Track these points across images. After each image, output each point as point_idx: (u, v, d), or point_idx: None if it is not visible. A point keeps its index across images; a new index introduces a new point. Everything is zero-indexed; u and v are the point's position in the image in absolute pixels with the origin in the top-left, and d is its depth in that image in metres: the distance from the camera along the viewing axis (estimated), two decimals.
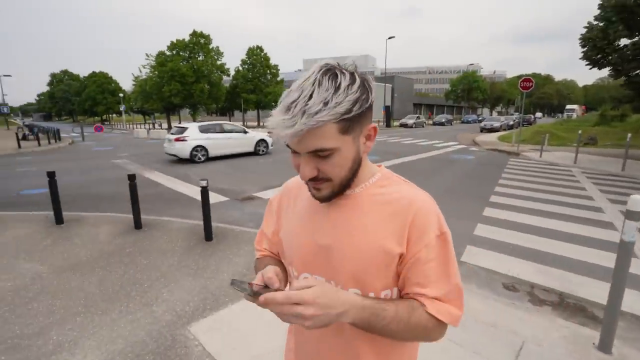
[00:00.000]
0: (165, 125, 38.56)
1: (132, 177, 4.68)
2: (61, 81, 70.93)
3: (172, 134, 11.65)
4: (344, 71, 0.63)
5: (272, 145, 13.89)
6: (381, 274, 0.70)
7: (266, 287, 0.65)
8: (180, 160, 11.42)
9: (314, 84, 0.60)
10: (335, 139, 0.63)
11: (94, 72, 57.14)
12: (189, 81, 31.86)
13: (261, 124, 40.91)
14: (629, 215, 2.10)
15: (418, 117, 35.49)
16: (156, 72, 32.50)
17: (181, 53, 32.88)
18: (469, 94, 62.36)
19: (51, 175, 4.78)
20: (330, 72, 0.62)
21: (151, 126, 38.31)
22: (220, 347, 2.27)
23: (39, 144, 17.40)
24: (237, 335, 2.40)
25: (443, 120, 40.27)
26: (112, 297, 2.93)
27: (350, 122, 0.63)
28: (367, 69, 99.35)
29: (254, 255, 0.97)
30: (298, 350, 0.87)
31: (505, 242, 4.28)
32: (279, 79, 39.44)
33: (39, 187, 7.43)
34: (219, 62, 34.78)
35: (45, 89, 77.27)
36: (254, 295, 0.62)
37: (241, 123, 42.31)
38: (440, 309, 0.69)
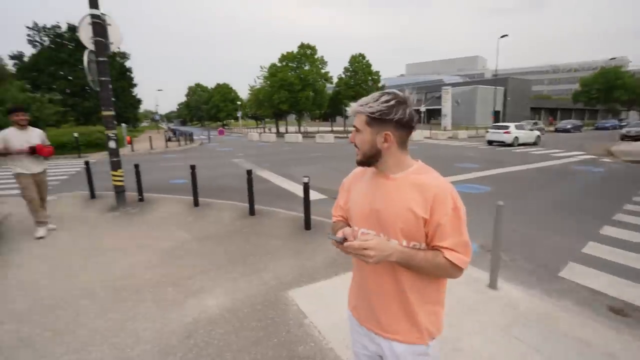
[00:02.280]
0: (273, 130, 42.62)
1: (249, 172, 5.69)
2: (195, 92, 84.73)
3: (498, 129, 20.04)
4: (389, 93, 1.06)
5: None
6: (412, 230, 1.06)
7: (345, 240, 1.06)
8: (288, 160, 12.75)
9: (373, 95, 1.08)
10: (362, 125, 1.09)
11: (218, 84, 66.75)
12: (295, 89, 34.60)
13: None
14: None
15: (535, 123, 31.49)
16: (268, 82, 36.26)
17: (290, 64, 35.93)
18: (607, 95, 51.85)
19: (193, 168, 6.15)
20: (385, 92, 1.07)
21: (262, 130, 42.80)
22: (311, 308, 2.81)
23: (179, 144, 21.45)
24: (324, 302, 2.91)
25: (568, 126, 34.78)
26: (234, 262, 3.78)
27: (372, 120, 1.06)
28: (476, 71, 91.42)
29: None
30: (359, 283, 1.26)
31: (625, 265, 3.84)
32: (380, 84, 39.74)
33: (181, 178, 9.41)
34: (323, 71, 36.88)
35: (184, 99, 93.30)
36: (341, 243, 1.05)
37: (342, 128, 44.00)
38: (453, 255, 1.04)
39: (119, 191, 6.00)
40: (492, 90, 40.43)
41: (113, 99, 5.72)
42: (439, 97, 45.30)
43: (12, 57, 36.80)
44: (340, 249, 1.06)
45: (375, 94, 1.06)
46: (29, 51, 36.37)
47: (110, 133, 5.61)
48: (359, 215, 1.17)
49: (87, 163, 7.06)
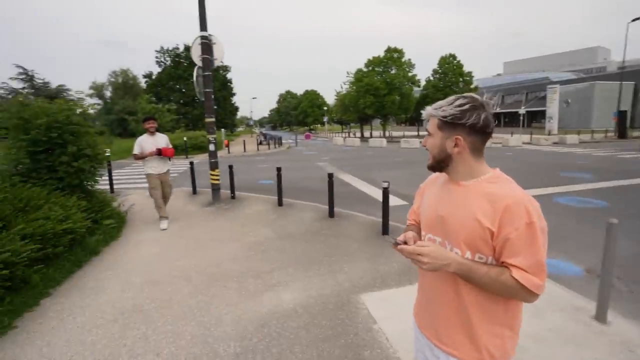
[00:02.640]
0: (358, 134, 42.87)
1: (330, 176, 5.85)
2: (285, 99, 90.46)
3: None
4: (466, 97, 1.01)
5: None
6: (477, 242, 0.98)
7: (405, 243, 1.06)
8: (371, 165, 12.74)
9: (449, 99, 1.05)
10: (434, 128, 1.07)
11: (306, 90, 70.04)
12: (381, 94, 34.29)
13: None
14: None
15: None
16: (354, 87, 36.67)
17: (376, 68, 35.78)
18: None
19: (278, 170, 6.59)
20: (461, 96, 1.03)
21: (346, 135, 43.46)
22: (381, 314, 2.77)
23: (269, 148, 23.14)
24: (395, 309, 2.83)
25: None
26: (311, 261, 3.92)
27: (444, 124, 1.03)
28: (594, 64, 77.65)
29: None
30: (422, 288, 1.23)
31: None
32: (472, 86, 36.90)
33: (269, 178, 10.14)
34: (410, 74, 35.83)
35: (274, 105, 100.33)
36: (396, 244, 1.05)
37: (427, 133, 41.89)
38: (523, 276, 0.92)
39: (215, 189, 6.76)
40: (616, 86, 33.74)
41: (215, 107, 6.49)
42: (543, 97, 39.91)
43: (145, 76, 44.54)
44: (397, 251, 1.04)
45: (451, 98, 1.04)
46: (155, 70, 43.65)
47: (211, 137, 6.39)
48: (426, 220, 1.16)
49: (191, 163, 8.13)
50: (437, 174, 1.20)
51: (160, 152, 5.21)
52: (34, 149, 4.48)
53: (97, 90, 51.00)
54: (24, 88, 38.88)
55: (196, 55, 6.05)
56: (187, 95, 40.90)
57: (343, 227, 5.18)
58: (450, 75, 36.52)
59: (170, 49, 43.00)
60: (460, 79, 36.53)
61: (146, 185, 5.47)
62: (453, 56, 36.71)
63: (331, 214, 5.75)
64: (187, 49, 41.27)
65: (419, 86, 37.75)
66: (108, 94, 52.78)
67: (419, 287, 1.27)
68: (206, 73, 6.05)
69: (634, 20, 25.90)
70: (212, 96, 6.27)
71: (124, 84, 52.64)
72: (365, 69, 36.33)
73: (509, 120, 50.10)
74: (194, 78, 6.15)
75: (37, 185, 4.27)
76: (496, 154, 17.41)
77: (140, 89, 47.91)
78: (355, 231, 4.98)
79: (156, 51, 43.05)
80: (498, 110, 52.14)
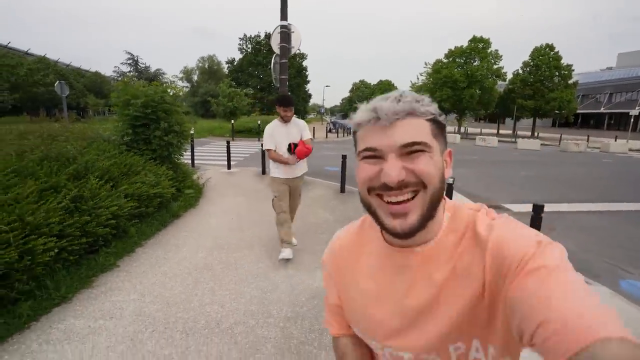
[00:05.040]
0: None
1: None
2: (358, 88, 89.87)
3: None
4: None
5: None
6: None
7: None
8: None
9: (398, 92, 0.58)
10: (428, 136, 0.56)
11: (380, 80, 68.72)
12: (460, 87, 32.23)
13: (536, 134, 35.50)
14: None
15: None
16: (431, 79, 34.98)
17: (457, 60, 33.59)
18: None
19: (344, 158, 6.76)
20: (409, 90, 0.59)
21: None
22: None
23: (337, 136, 23.46)
24: None
25: None
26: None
27: (438, 128, 0.58)
28: None
29: None
30: None
31: None
32: (570, 81, 32.62)
33: (335, 165, 10.40)
34: (495, 66, 32.97)
35: (347, 94, 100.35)
36: None
37: (510, 132, 38.38)
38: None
39: None
40: None
41: (289, 93, 6.84)
42: None
43: (227, 62, 47.86)
44: None
45: (394, 93, 0.58)
46: (237, 57, 46.69)
47: None
48: (378, 328, 0.66)
49: (262, 146, 8.71)
50: (342, 235, 0.77)
51: (293, 149, 3.50)
52: (134, 122, 5.26)
53: (187, 74, 56.36)
54: (130, 71, 44.67)
55: (275, 43, 6.42)
56: (264, 81, 43.12)
57: None
58: (544, 68, 32.72)
59: (252, 36, 45.47)
60: (557, 73, 32.52)
61: (221, 161, 5.94)
62: (550, 47, 32.74)
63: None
64: (268, 36, 43.26)
65: (504, 80, 34.57)
66: (195, 77, 58.10)
67: None
68: (283, 61, 6.40)
69: None
70: (287, 83, 6.61)
71: (209, 69, 57.44)
72: (445, 60, 34.37)
73: (615, 123, 43.26)
74: (272, 65, 6.55)
75: (136, 155, 5.04)
76: (588, 160, 15.34)
77: (223, 74, 51.87)
78: None
79: (239, 38, 45.88)
80: (603, 110, 45.17)
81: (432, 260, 0.59)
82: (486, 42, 32.79)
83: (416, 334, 0.60)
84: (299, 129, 3.57)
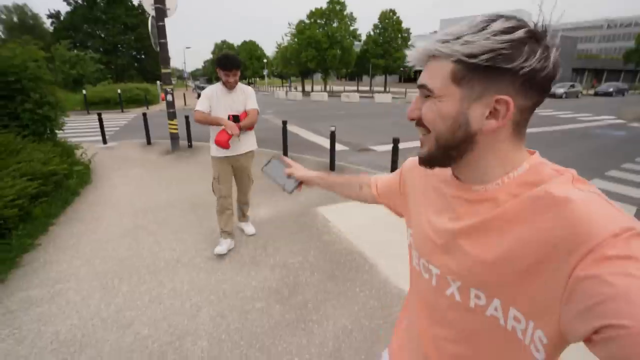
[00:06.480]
0: (299, 88, 42.84)
1: (284, 122, 6.65)
2: (221, 49, 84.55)
3: None
4: (510, 20, 0.50)
5: None
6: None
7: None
8: (315, 117, 13.61)
9: (470, 23, 0.51)
10: (440, 81, 0.53)
11: (244, 41, 66.32)
12: (323, 47, 34.32)
13: (388, 89, 41.19)
14: None
15: (572, 86, 30.04)
16: (296, 40, 36.03)
17: (318, 21, 35.34)
18: None
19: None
20: (498, 17, 0.51)
21: (288, 89, 43.17)
22: (333, 217, 3.88)
23: None
24: (342, 214, 3.94)
25: (610, 89, 32.91)
26: (274, 191, 4.84)
27: (468, 72, 0.51)
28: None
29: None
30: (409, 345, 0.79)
31: None
32: (409, 43, 38.51)
33: None
34: (351, 28, 36.09)
35: (210, 56, 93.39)
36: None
37: (368, 88, 43.48)
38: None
39: (174, 138, 7.16)
40: None
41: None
42: None
43: (50, 16, 38.01)
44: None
45: (478, 19, 0.51)
46: (64, 10, 37.50)
47: (168, 88, 6.66)
48: (421, 242, 0.71)
49: (144, 115, 8.23)
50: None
51: (237, 120, 3.01)
52: None
53: None
54: None
55: (148, 3, 6.11)
56: (108, 42, 36.58)
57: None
58: (390, 30, 37.55)
59: None
60: (399, 35, 37.81)
61: (90, 136, 5.55)
62: (393, 12, 37.53)
63: (285, 155, 6.63)
64: None
65: (359, 40, 38.30)
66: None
67: (404, 327, 0.85)
68: (160, 23, 6.18)
69: None
70: (167, 47, 6.45)
71: (19, 24, 44.79)
72: (307, 21, 35.66)
73: None
74: (149, 28, 6.24)
75: (2, 133, 4.44)
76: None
77: (46, 32, 41.34)
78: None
79: None
80: None
81: (484, 202, 0.57)
82: (342, 5, 35.31)
83: (449, 256, 0.61)
84: (244, 97, 3.06)
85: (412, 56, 0.58)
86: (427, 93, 0.55)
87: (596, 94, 33.49)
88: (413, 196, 0.77)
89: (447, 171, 0.66)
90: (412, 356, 0.77)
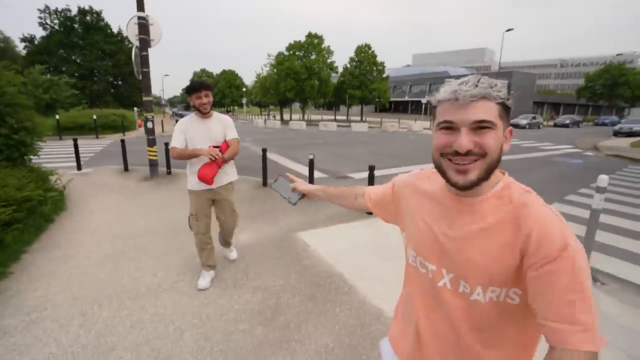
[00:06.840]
0: (278, 117, 43.55)
1: (264, 150, 6.82)
2: (200, 77, 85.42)
3: None
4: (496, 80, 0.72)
5: None
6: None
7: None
8: (293, 145, 13.88)
9: (476, 77, 0.72)
10: (494, 117, 0.70)
11: (224, 70, 67.43)
12: (301, 78, 35.45)
13: (364, 118, 42.62)
14: None
15: (534, 117, 32.29)
16: (275, 70, 37.08)
17: (297, 53, 36.69)
18: (611, 91, 52.21)
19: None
20: (485, 76, 0.73)
21: (267, 117, 43.79)
22: (313, 241, 4.00)
23: None
24: (322, 239, 4.07)
25: (567, 121, 35.56)
26: (255, 217, 4.94)
27: (504, 110, 0.72)
28: (483, 63, 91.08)
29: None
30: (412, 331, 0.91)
31: None
32: (384, 75, 40.46)
33: None
34: (329, 60, 37.63)
35: (188, 84, 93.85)
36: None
37: (345, 117, 44.81)
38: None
39: (153, 164, 7.15)
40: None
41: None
42: None
43: (23, 40, 37.29)
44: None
45: (483, 77, 0.73)
46: (39, 34, 37.00)
47: (149, 115, 6.74)
48: (420, 243, 0.87)
49: (122, 141, 8.19)
50: (419, 173, 0.97)
51: (220, 150, 2.81)
52: None
53: None
54: None
55: (132, 34, 6.29)
56: (85, 68, 36.22)
57: (276, 193, 6.24)
58: (366, 63, 39.40)
59: (58, 9, 36.93)
60: (375, 68, 39.71)
61: (63, 162, 5.44)
62: (368, 46, 39.57)
63: (264, 183, 6.76)
64: (82, 12, 36.32)
65: (337, 72, 39.86)
66: None
67: (406, 314, 0.97)
68: (144, 53, 6.35)
69: (507, 30, 31.64)
70: (150, 75, 6.60)
71: None
72: (286, 53, 36.94)
73: (415, 108, 56.32)
74: (133, 58, 6.39)
75: None
76: (401, 138, 20.15)
77: (18, 55, 40.49)
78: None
79: (39, 10, 36.49)
80: (407, 98, 58.38)
81: (476, 211, 0.76)
82: (320, 39, 36.97)
83: (445, 255, 0.80)
84: (222, 127, 2.88)
85: (461, 93, 0.70)
86: (487, 125, 0.71)
87: (555, 125, 36.05)
88: (406, 205, 0.95)
89: (436, 186, 0.87)
90: (410, 339, 0.92)
